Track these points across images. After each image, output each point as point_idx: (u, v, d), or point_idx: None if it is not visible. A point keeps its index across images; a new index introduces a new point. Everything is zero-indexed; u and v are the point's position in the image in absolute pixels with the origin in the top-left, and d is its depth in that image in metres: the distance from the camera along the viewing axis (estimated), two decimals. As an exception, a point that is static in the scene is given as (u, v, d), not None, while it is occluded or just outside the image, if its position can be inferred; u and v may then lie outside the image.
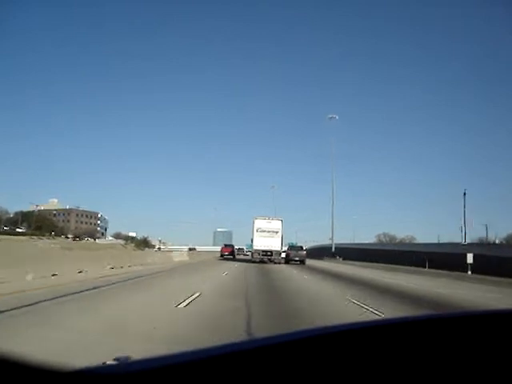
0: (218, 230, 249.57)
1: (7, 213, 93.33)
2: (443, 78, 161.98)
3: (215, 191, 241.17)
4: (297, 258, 35.66)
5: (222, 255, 46.29)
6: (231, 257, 45.48)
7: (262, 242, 34.89)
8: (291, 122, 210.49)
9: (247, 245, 60.80)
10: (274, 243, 34.80)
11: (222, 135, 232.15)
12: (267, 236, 34.97)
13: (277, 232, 35.21)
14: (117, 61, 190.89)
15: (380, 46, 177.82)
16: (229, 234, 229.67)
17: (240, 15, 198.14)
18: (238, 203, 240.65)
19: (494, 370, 0.83)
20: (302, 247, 39.91)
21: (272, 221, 36.03)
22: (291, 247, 38.94)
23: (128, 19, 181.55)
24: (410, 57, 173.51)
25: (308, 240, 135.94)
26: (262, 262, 33.93)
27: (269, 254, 34.63)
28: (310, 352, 0.76)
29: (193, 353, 0.69)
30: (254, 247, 35.33)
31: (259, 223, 35.66)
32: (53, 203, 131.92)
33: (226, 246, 51.28)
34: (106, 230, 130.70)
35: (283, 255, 43.73)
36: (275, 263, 33.34)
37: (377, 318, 7.11)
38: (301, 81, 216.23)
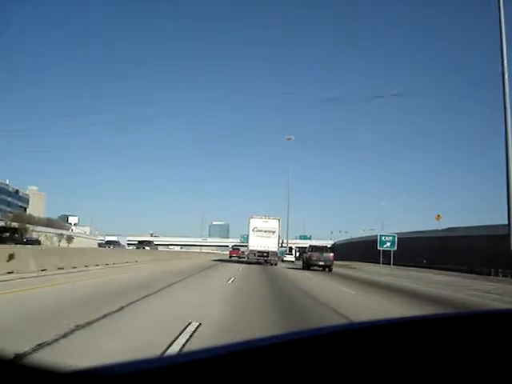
0: (214, 223, 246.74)
1: None
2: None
3: (212, 185, 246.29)
4: (321, 263, 26.93)
5: (230, 257, 52.05)
6: (237, 258, 49.95)
7: (257, 243, 33.23)
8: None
9: (243, 237, 69.60)
10: (270, 243, 33.13)
11: (220, 130, 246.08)
12: (263, 236, 33.37)
13: (274, 232, 33.62)
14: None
15: None
16: (225, 228, 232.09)
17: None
18: (235, 195, 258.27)
19: (494, 370, 0.84)
20: (326, 247, 32.20)
21: (269, 220, 34.23)
22: (314, 248, 29.09)
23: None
24: None
25: (334, 229, 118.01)
26: (258, 262, 33.16)
27: (265, 254, 33.03)
28: (311, 352, 0.76)
29: (192, 353, 0.69)
30: (250, 248, 33.91)
31: (255, 222, 34.03)
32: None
33: (233, 249, 57.08)
34: (25, 210, 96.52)
35: (290, 258, 56.93)
36: (271, 265, 32.48)
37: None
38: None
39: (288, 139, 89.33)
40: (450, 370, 0.81)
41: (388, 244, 38.75)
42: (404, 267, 39.85)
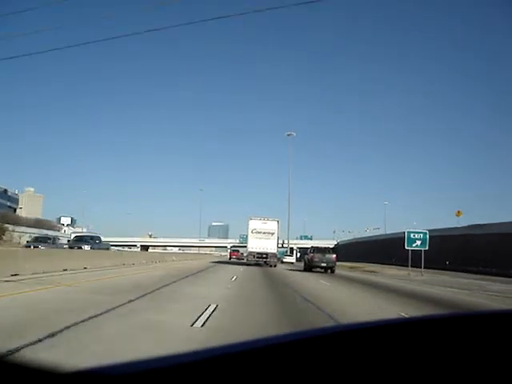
0: (213, 223, 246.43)
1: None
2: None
3: (212, 185, 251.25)
4: (323, 264, 26.32)
5: (230, 258, 54.14)
6: (236, 259, 50.08)
7: (257, 244, 33.00)
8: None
9: (242, 237, 73.53)
10: (269, 245, 32.93)
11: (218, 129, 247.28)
12: (262, 238, 33.15)
13: (273, 233, 33.48)
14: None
15: None
16: (225, 228, 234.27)
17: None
18: (235, 196, 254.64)
19: (494, 371, 0.84)
20: (329, 248, 31.01)
21: (268, 221, 34.08)
22: (316, 249, 28.12)
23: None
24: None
25: (336, 229, 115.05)
26: (257, 264, 32.79)
27: (264, 256, 32.78)
28: (311, 353, 0.76)
29: (193, 354, 0.69)
30: (249, 249, 33.81)
31: (254, 224, 33.84)
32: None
33: (233, 251, 58.67)
34: (15, 210, 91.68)
35: (290, 259, 56.15)
36: (270, 266, 31.99)
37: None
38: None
39: (288, 135, 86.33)
40: (450, 370, 0.80)
41: (418, 243, 30.16)
42: (432, 270, 33.32)
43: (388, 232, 76.19)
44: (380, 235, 72.38)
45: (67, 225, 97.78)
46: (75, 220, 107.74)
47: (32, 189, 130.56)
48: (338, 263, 28.55)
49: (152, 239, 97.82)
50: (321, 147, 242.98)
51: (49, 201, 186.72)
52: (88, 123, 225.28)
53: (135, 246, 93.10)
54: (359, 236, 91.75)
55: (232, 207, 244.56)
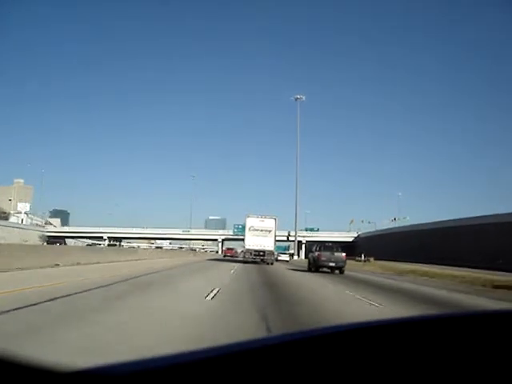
0: (210, 217, 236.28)
1: None
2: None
3: (209, 181, 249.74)
4: (332, 264, 23.75)
5: (224, 255, 55.83)
6: (231, 257, 51.14)
7: (254, 242, 33.33)
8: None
9: (237, 228, 67.57)
10: (266, 243, 33.22)
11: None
12: (260, 235, 33.38)
13: (270, 231, 33.76)
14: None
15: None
16: (222, 222, 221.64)
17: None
18: (233, 191, 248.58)
19: (493, 371, 0.83)
20: (337, 245, 27.77)
21: (265, 219, 34.32)
22: (323, 246, 25.32)
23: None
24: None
25: (350, 220, 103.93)
26: (254, 261, 32.59)
27: (261, 254, 33.07)
28: (310, 352, 0.76)
29: (193, 353, 0.68)
30: (246, 246, 34.24)
31: (251, 221, 34.15)
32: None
33: (228, 248, 61.68)
34: None
35: (285, 257, 52.68)
36: (267, 264, 32.05)
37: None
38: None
39: (297, 99, 70.49)
40: (449, 372, 0.80)
41: None
42: None
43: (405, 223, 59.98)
44: (435, 222, 53.38)
45: (25, 212, 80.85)
46: (68, 213, 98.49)
47: (22, 180, 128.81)
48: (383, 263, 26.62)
49: (122, 230, 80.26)
50: (323, 143, 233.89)
51: (43, 194, 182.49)
52: (85, 121, 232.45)
53: (101, 237, 76.21)
54: (385, 227, 74.10)
55: (230, 202, 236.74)
